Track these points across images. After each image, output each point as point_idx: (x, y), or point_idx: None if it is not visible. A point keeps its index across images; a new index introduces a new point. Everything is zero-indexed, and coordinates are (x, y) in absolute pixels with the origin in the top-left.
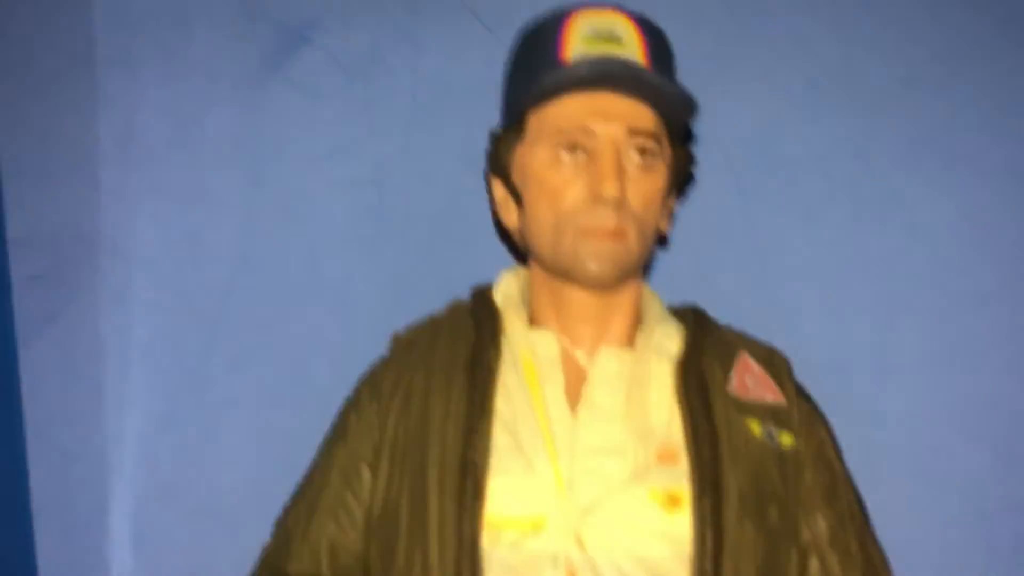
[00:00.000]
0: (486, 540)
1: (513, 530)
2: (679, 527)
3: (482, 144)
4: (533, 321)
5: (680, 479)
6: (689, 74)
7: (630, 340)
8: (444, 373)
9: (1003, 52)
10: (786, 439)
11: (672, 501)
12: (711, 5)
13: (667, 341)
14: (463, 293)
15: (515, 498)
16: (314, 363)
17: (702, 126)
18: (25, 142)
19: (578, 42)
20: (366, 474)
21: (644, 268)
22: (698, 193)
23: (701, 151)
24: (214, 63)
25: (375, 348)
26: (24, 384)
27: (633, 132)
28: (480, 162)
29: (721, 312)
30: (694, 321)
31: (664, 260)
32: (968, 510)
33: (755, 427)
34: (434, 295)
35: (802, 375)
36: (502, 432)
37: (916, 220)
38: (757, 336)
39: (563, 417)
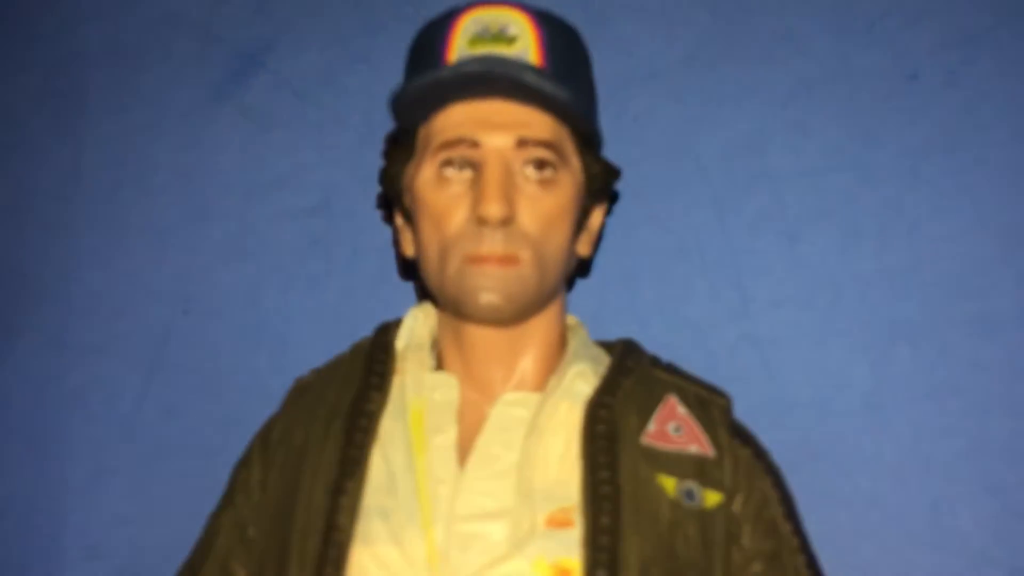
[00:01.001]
0: None
1: None
2: None
3: None
4: (439, 365)
5: (573, 547)
6: (662, 78)
7: (543, 383)
8: (323, 423)
9: (1017, 38)
10: (711, 497)
11: (561, 573)
12: (687, 5)
13: (580, 383)
14: None
15: (380, 571)
16: (251, 411)
17: (674, 134)
18: None
19: (463, 42)
20: (252, 536)
21: (571, 299)
22: (669, 209)
23: (673, 162)
24: (164, 92)
25: None
26: None
27: (525, 143)
28: None
29: (691, 343)
30: (619, 358)
31: (626, 283)
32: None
33: (669, 485)
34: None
35: (781, 415)
36: (375, 493)
37: (919, 239)
38: (701, 375)
39: (448, 474)
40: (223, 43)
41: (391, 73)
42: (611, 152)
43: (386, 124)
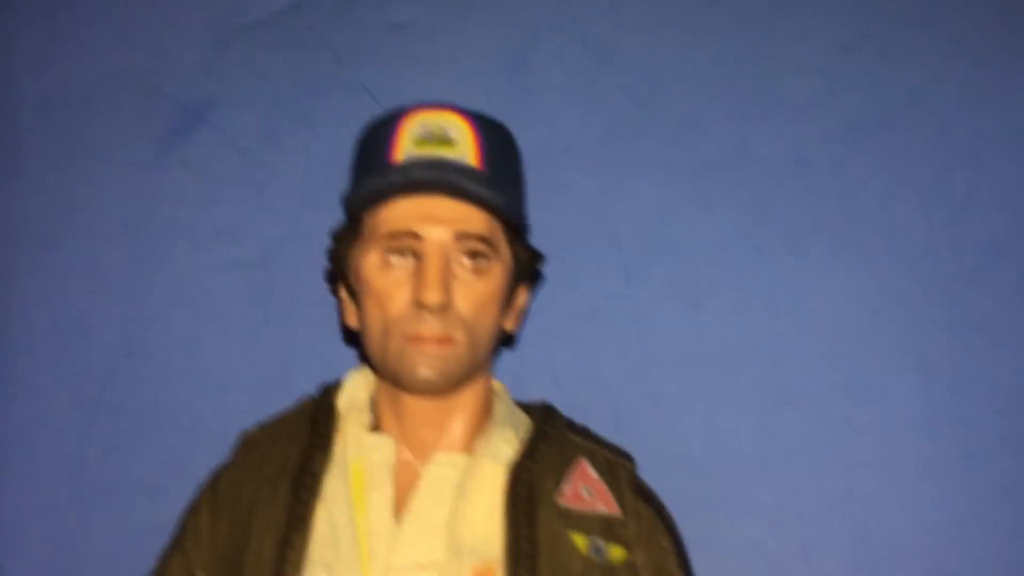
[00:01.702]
0: None
1: None
2: None
3: None
4: (376, 425)
5: None
6: (580, 152)
7: (471, 444)
8: (271, 481)
9: (897, 131)
10: (616, 552)
11: None
12: (605, 85)
13: (504, 446)
14: None
15: None
16: (192, 454)
17: (590, 205)
18: None
19: (409, 143)
20: None
21: (494, 361)
22: (582, 274)
23: (587, 231)
24: (107, 143)
25: None
26: None
27: (462, 236)
28: None
29: (599, 399)
30: (538, 422)
31: (540, 346)
32: None
33: (580, 542)
34: (317, 385)
35: (679, 468)
36: (319, 546)
37: (804, 310)
38: (609, 429)
39: (385, 529)
40: (167, 98)
41: (330, 135)
42: (532, 219)
43: (324, 183)
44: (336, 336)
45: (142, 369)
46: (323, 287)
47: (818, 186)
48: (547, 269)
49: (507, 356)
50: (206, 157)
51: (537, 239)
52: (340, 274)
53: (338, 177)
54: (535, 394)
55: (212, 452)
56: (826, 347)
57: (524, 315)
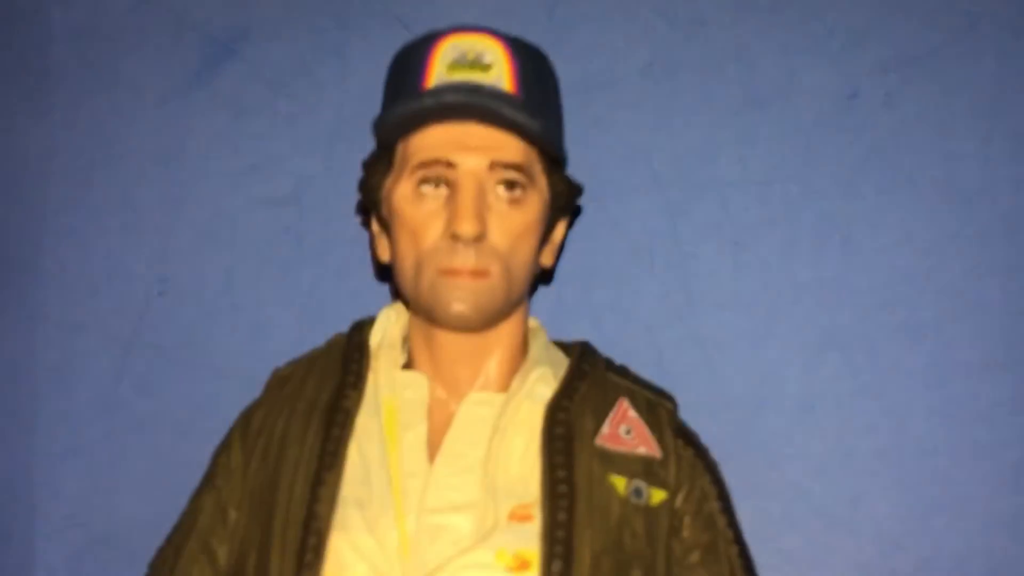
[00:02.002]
0: None
1: None
2: None
3: None
4: (410, 363)
5: (532, 539)
6: (620, 86)
7: (508, 384)
8: (304, 417)
9: (949, 66)
10: (657, 495)
11: (521, 564)
12: (647, 15)
13: (541, 385)
14: None
15: (356, 558)
16: (226, 391)
17: (631, 141)
18: None
19: (442, 68)
20: (233, 517)
21: (532, 300)
22: (623, 212)
23: (627, 168)
24: (138, 77)
25: None
26: None
27: (496, 165)
28: None
29: (640, 342)
30: (576, 362)
31: (579, 284)
32: (882, 564)
33: (620, 484)
34: (351, 322)
35: (722, 411)
36: (352, 484)
37: (853, 250)
38: (649, 372)
39: (418, 468)
40: (197, 31)
41: (363, 68)
42: (570, 155)
43: (356, 118)
44: (370, 274)
45: (175, 306)
46: (356, 224)
47: (869, 120)
48: (587, 207)
49: (546, 296)
50: (237, 91)
51: (577, 176)
52: (372, 206)
53: (371, 111)
54: (574, 335)
55: (245, 390)
56: (876, 289)
57: (560, 249)
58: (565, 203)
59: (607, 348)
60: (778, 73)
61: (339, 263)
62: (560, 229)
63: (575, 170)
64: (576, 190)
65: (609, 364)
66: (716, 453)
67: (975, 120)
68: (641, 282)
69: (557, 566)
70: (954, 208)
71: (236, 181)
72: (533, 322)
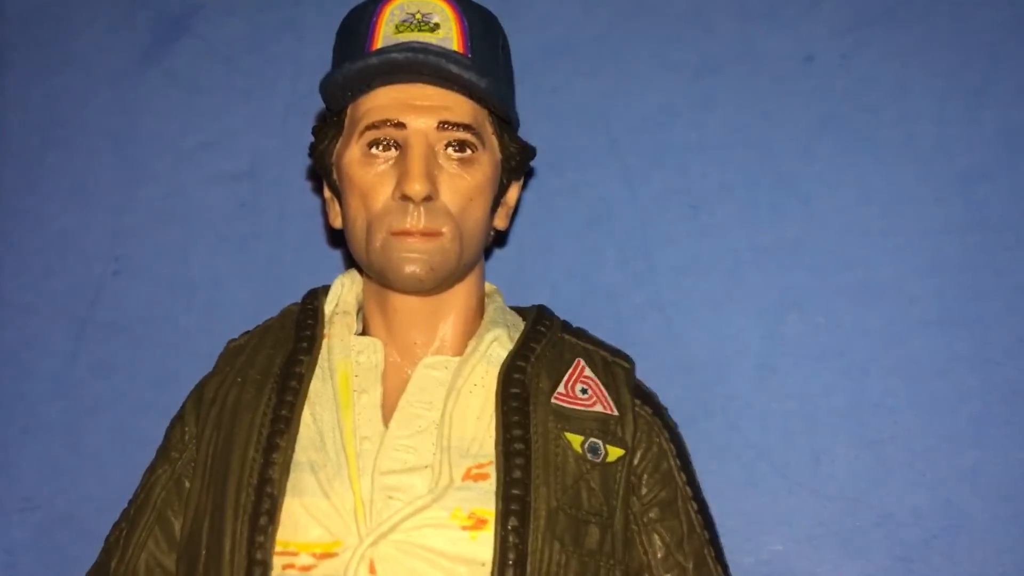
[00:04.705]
0: (279, 565)
1: (307, 554)
2: (481, 550)
3: None
4: (365, 329)
5: (488, 498)
6: (577, 54)
7: (463, 347)
8: (257, 384)
9: (904, 28)
10: (614, 452)
11: (478, 522)
12: None
13: (497, 347)
14: None
15: (311, 521)
16: (183, 368)
17: (588, 108)
18: None
19: (389, 29)
20: (187, 488)
21: (491, 269)
22: (581, 180)
23: (586, 135)
24: (90, 56)
25: None
26: None
27: (446, 125)
28: None
29: (600, 308)
30: (532, 323)
31: (538, 252)
32: (844, 521)
33: (576, 441)
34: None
35: (683, 375)
36: (305, 449)
37: (811, 211)
38: (610, 338)
39: (373, 431)
40: (149, 7)
41: (317, 42)
42: (528, 124)
43: (312, 92)
44: (328, 249)
45: (130, 285)
46: (313, 199)
47: (826, 83)
48: (546, 175)
49: (506, 264)
50: (190, 68)
51: (535, 144)
52: (323, 172)
53: None
54: (535, 302)
55: (202, 367)
56: (835, 249)
57: (515, 212)
58: (517, 164)
59: (568, 315)
60: (735, 38)
61: (297, 238)
62: (514, 191)
63: (534, 138)
64: (528, 151)
65: (566, 326)
66: (678, 416)
67: (931, 80)
68: (601, 248)
69: (513, 523)
70: (911, 168)
71: (191, 157)
72: (489, 286)
